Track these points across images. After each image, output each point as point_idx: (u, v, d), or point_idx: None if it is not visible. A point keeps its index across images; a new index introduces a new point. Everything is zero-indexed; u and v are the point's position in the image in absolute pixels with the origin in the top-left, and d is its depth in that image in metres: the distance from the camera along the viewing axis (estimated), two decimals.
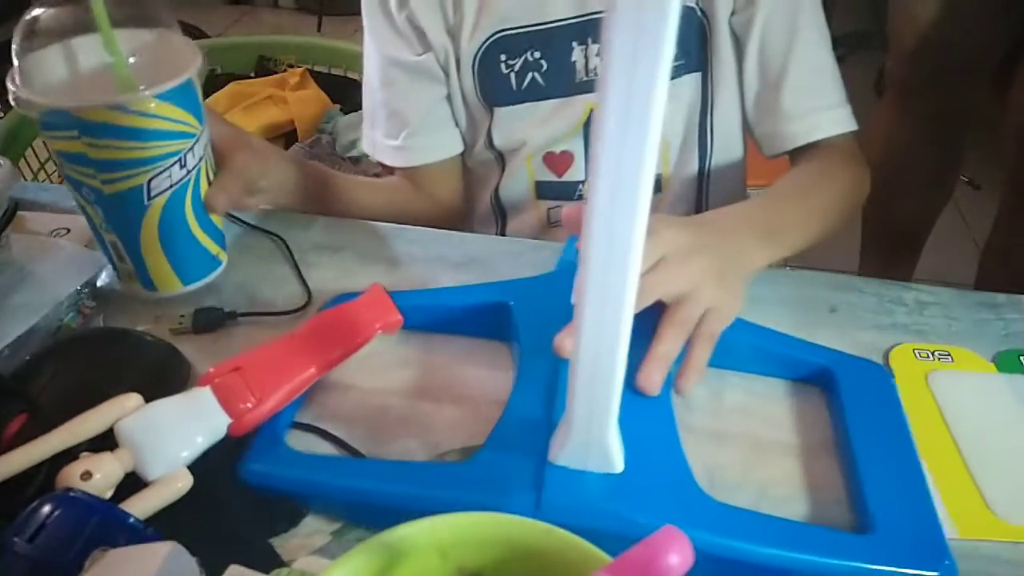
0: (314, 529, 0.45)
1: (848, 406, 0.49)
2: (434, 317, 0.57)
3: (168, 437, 0.42)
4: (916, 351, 0.56)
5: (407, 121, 0.76)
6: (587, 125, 0.75)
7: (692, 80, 0.74)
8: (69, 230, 0.67)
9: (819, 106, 0.71)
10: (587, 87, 0.73)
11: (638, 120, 0.30)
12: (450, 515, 0.33)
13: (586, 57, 0.72)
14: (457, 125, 0.78)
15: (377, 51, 0.77)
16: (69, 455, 0.41)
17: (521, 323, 0.54)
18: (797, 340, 0.54)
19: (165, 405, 0.44)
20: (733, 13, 0.71)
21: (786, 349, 0.54)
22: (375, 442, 0.49)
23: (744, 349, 0.54)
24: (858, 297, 0.62)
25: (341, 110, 1.55)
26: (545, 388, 0.48)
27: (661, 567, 0.25)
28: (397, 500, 0.43)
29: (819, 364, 0.53)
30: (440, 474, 0.45)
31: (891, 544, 0.41)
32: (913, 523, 0.42)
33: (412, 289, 0.59)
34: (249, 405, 0.45)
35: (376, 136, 0.79)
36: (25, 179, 0.99)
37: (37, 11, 0.52)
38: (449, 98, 0.77)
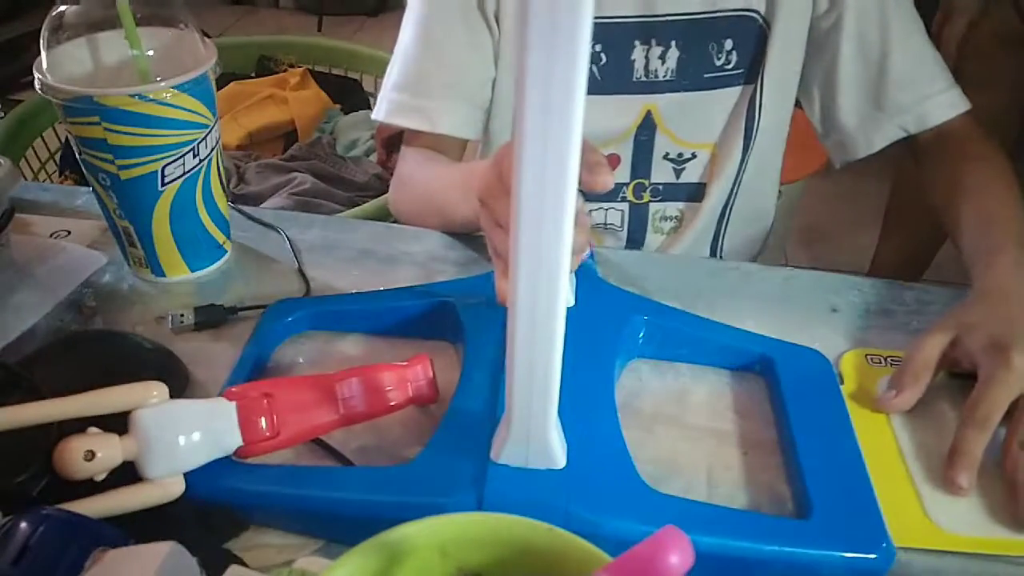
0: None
1: (787, 393, 0.50)
2: (380, 320, 0.56)
3: (179, 441, 0.41)
4: None
5: (442, 84, 0.72)
6: (640, 129, 0.75)
7: (743, 90, 0.74)
8: (70, 232, 0.67)
9: (927, 93, 0.70)
10: (644, 87, 0.73)
11: (560, 107, 0.30)
12: (450, 515, 0.33)
13: (647, 58, 0.72)
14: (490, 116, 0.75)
15: (431, 15, 0.71)
16: (76, 425, 0.40)
17: (466, 322, 0.53)
18: (737, 330, 0.55)
19: (186, 408, 0.42)
20: (816, 16, 0.71)
21: (726, 339, 0.55)
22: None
23: (686, 340, 0.54)
24: (859, 297, 0.62)
25: (341, 110, 1.56)
26: (489, 387, 0.47)
27: (661, 567, 0.25)
28: (338, 506, 0.42)
29: (759, 352, 0.53)
30: (382, 478, 0.44)
31: (829, 528, 0.41)
32: (851, 507, 0.42)
33: (365, 291, 0.59)
34: (267, 434, 0.44)
35: (399, 98, 0.73)
36: (25, 179, 0.99)
37: (63, 7, 0.56)
38: (495, 84, 0.74)
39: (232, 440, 0.43)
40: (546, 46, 0.29)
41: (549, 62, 0.29)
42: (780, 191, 1.42)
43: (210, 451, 0.42)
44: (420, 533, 0.32)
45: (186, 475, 0.42)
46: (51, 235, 0.66)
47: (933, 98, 0.69)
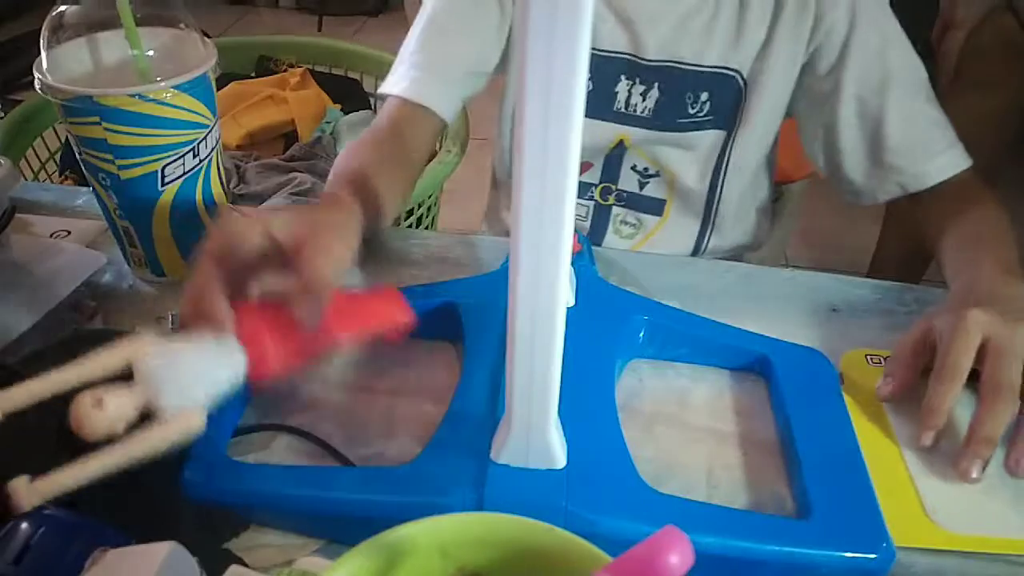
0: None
1: (787, 393, 0.50)
2: None
3: (188, 371, 0.39)
4: None
5: (437, 63, 0.75)
6: (612, 149, 0.79)
7: (715, 135, 0.77)
8: (69, 232, 0.67)
9: (926, 156, 0.70)
10: (622, 118, 0.77)
11: (559, 107, 0.30)
12: (451, 515, 0.33)
13: (629, 92, 0.76)
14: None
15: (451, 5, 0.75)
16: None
17: (466, 322, 0.53)
18: (737, 330, 0.55)
19: (184, 342, 0.40)
20: (813, 78, 0.72)
21: (726, 339, 0.55)
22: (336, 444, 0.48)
23: (686, 340, 0.55)
24: (859, 297, 0.62)
25: (341, 110, 1.56)
26: (489, 387, 0.48)
27: (661, 567, 0.25)
28: (338, 506, 0.42)
29: (759, 352, 0.54)
30: (382, 478, 0.44)
31: (829, 528, 0.41)
32: (851, 507, 0.43)
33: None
34: (270, 350, 0.41)
35: (398, 68, 0.76)
36: (25, 179, 0.99)
37: (63, 7, 0.56)
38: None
39: (238, 357, 0.41)
40: (546, 42, 0.29)
41: (549, 61, 0.29)
42: (781, 191, 1.42)
43: (220, 374, 0.40)
44: (420, 533, 0.32)
45: (185, 475, 0.42)
46: (51, 235, 0.66)
47: (932, 160, 0.70)
